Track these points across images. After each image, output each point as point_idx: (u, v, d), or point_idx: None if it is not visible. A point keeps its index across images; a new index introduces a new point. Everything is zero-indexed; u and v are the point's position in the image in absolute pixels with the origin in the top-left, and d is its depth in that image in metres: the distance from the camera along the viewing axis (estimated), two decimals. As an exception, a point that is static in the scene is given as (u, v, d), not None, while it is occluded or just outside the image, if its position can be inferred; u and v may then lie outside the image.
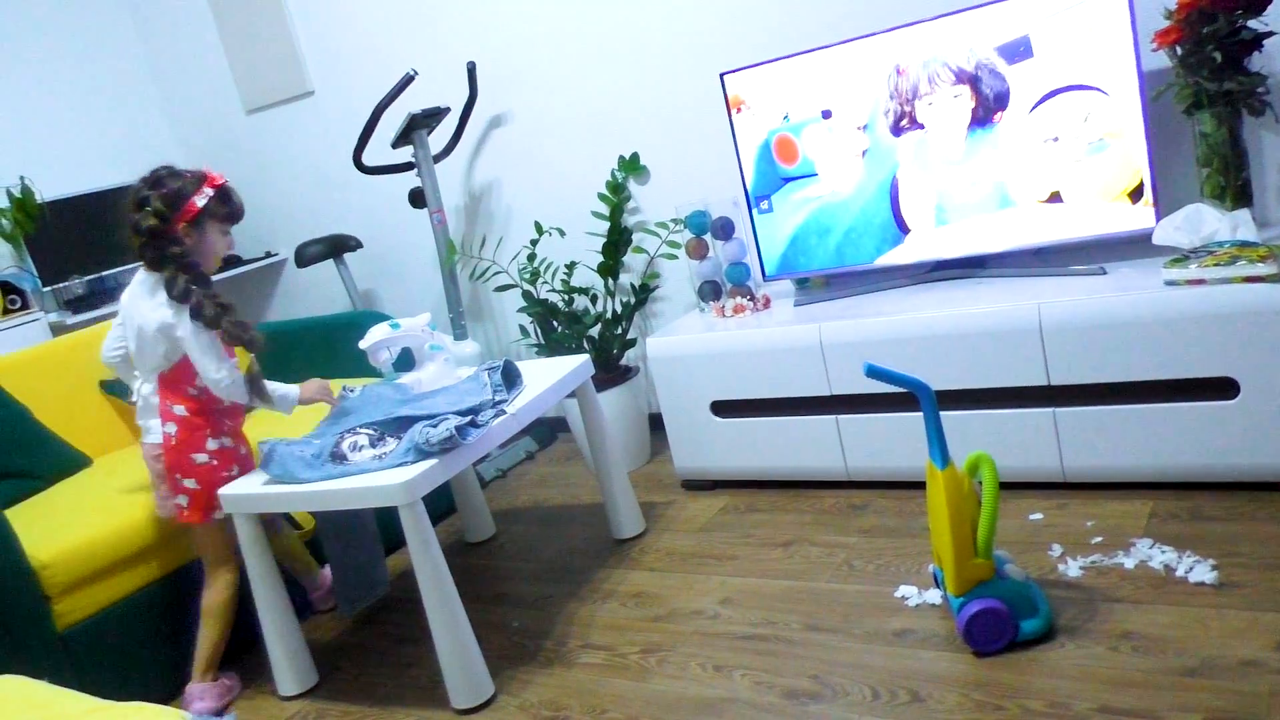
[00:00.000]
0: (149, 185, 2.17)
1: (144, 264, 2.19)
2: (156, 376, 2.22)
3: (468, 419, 2.12)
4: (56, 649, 2.18)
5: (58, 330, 3.60)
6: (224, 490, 2.20)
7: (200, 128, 4.29)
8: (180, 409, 2.22)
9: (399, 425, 2.17)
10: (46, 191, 3.71)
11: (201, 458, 2.22)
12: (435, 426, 2.07)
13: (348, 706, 2.19)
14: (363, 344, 2.43)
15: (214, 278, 2.25)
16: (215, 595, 2.28)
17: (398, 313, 3.73)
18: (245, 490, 2.15)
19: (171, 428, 2.21)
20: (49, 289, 3.72)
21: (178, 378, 2.22)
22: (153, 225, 2.14)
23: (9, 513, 2.37)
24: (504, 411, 2.25)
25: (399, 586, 2.71)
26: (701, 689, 1.94)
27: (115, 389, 3.05)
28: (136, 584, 2.33)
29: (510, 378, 2.40)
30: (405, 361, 2.53)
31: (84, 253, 3.81)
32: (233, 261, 4.18)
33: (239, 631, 2.48)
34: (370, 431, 2.17)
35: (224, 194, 2.23)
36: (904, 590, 2.09)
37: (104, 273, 3.86)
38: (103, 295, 3.81)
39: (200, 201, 2.18)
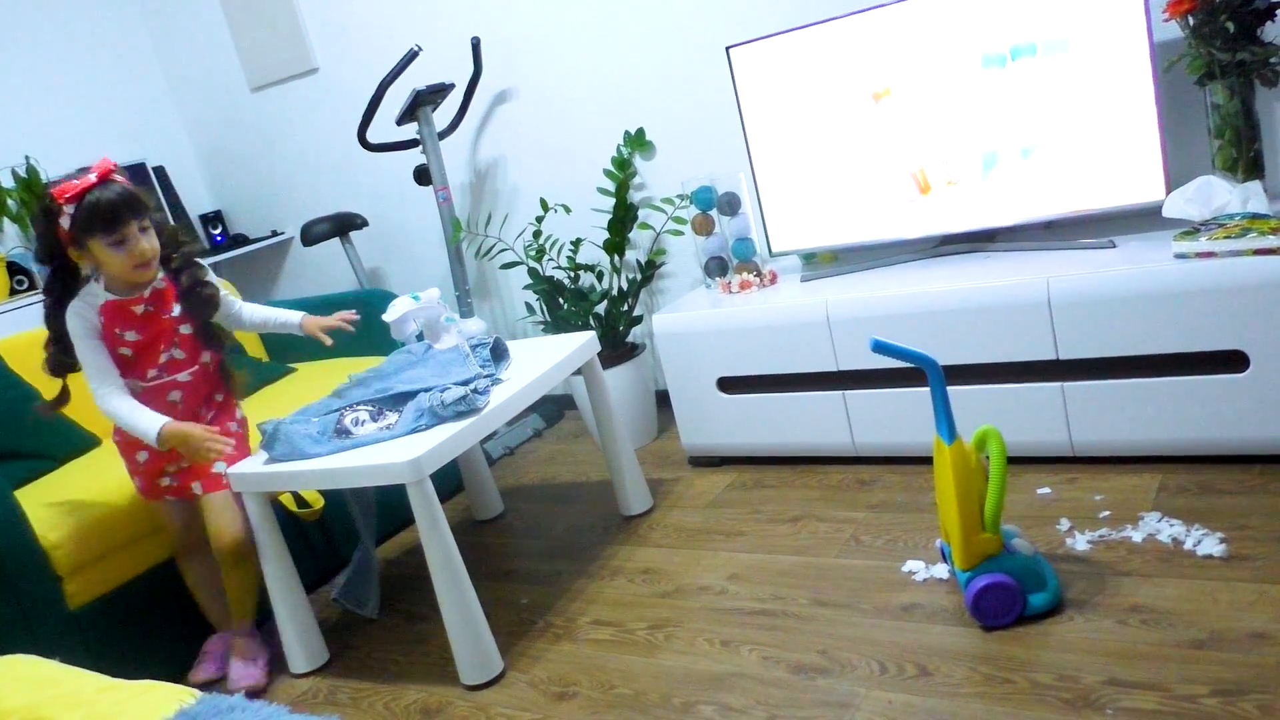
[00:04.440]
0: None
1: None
2: None
3: (469, 388, 2.14)
4: (68, 628, 2.20)
5: (65, 311, 3.60)
6: (234, 469, 2.20)
7: (205, 106, 4.27)
8: None
9: (395, 400, 2.18)
10: (52, 171, 3.70)
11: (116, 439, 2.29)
12: (443, 393, 2.09)
13: (359, 683, 2.20)
14: (388, 317, 2.43)
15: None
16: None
17: (405, 291, 3.72)
18: (253, 469, 2.16)
19: None
20: (56, 269, 3.72)
21: None
22: (40, 252, 2.12)
23: (19, 493, 2.39)
24: (499, 380, 2.26)
25: (409, 564, 2.73)
26: (709, 664, 1.95)
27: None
28: (147, 563, 2.35)
29: (498, 354, 2.42)
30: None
31: (90, 233, 3.80)
32: (240, 241, 4.19)
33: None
34: (369, 407, 2.18)
35: (88, 203, 2.00)
36: (911, 565, 2.09)
37: (110, 253, 3.86)
38: (110, 275, 3.81)
39: (66, 222, 2.01)
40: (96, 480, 2.51)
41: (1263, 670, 1.56)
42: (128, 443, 2.26)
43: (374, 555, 2.55)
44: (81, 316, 2.13)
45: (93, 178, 2.01)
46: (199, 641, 2.42)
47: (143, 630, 2.32)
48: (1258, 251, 2.01)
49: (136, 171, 3.99)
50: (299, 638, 2.27)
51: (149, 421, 2.12)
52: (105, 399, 2.12)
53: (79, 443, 2.81)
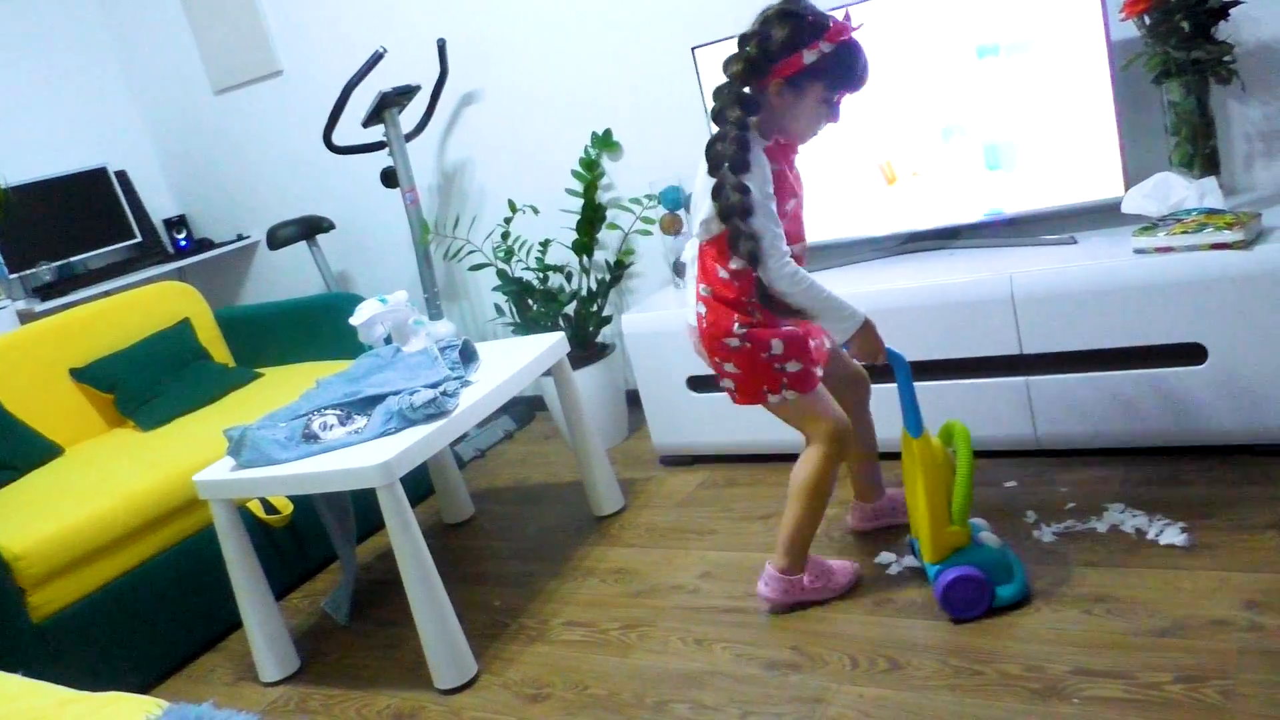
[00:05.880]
0: (760, 23, 1.76)
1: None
2: (702, 241, 1.86)
3: (439, 390, 2.13)
4: (33, 641, 2.16)
5: (26, 318, 3.55)
6: (199, 477, 2.18)
7: (167, 109, 4.22)
8: (705, 288, 1.85)
9: (364, 404, 2.17)
10: (11, 176, 3.65)
11: (733, 342, 1.85)
12: (412, 395, 2.08)
13: (331, 690, 2.19)
14: (354, 320, 2.41)
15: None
16: (801, 469, 1.94)
17: (372, 294, 3.71)
18: (220, 476, 2.14)
19: (701, 308, 1.87)
20: (16, 276, 3.67)
21: (718, 248, 1.83)
22: (738, 70, 1.76)
23: (-19, 503, 2.35)
24: (468, 382, 2.26)
25: (380, 569, 2.71)
26: (682, 662, 1.95)
27: (87, 376, 3.02)
28: (113, 573, 2.32)
29: (467, 357, 2.41)
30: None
31: (52, 238, 3.75)
32: (205, 245, 4.14)
33: (220, 618, 2.48)
34: (337, 411, 2.17)
35: (845, 52, 1.74)
36: (882, 559, 2.11)
37: (72, 258, 3.80)
38: (71, 281, 3.75)
39: (809, 58, 1.72)
40: (60, 490, 2.48)
41: (1224, 656, 1.59)
42: (715, 334, 1.86)
43: (354, 562, 2.53)
44: (764, 163, 1.77)
45: (854, 27, 1.75)
46: (166, 653, 2.40)
47: (110, 642, 2.29)
48: (1214, 246, 2.05)
49: (97, 176, 3.94)
50: (269, 645, 2.24)
51: (851, 304, 1.79)
52: (798, 269, 1.76)
53: (40, 452, 2.78)
